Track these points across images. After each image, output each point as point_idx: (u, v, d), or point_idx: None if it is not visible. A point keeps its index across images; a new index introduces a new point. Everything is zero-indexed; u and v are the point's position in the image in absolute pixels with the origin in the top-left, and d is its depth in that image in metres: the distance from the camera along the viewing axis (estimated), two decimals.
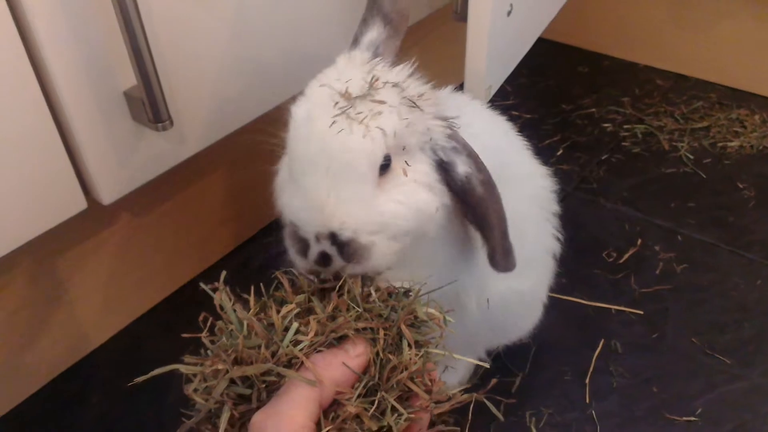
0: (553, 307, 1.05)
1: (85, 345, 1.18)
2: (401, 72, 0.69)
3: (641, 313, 1.20)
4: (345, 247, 0.63)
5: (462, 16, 1.03)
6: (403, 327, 0.62)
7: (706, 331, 1.17)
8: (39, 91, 0.81)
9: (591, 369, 1.11)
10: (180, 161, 1.01)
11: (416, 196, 0.67)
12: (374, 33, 0.73)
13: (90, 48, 0.83)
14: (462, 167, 0.69)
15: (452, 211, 0.72)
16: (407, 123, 0.65)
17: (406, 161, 0.67)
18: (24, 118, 0.81)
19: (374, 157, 0.63)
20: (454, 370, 1.06)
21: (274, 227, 0.71)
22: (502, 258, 0.73)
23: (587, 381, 1.10)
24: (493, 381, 0.74)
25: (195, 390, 0.61)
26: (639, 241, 1.34)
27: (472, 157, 0.69)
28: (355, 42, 0.74)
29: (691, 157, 1.55)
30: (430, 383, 0.62)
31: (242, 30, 0.99)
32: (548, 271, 0.99)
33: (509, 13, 1.06)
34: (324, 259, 0.64)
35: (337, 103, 0.63)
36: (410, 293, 0.66)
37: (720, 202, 1.43)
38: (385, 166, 0.65)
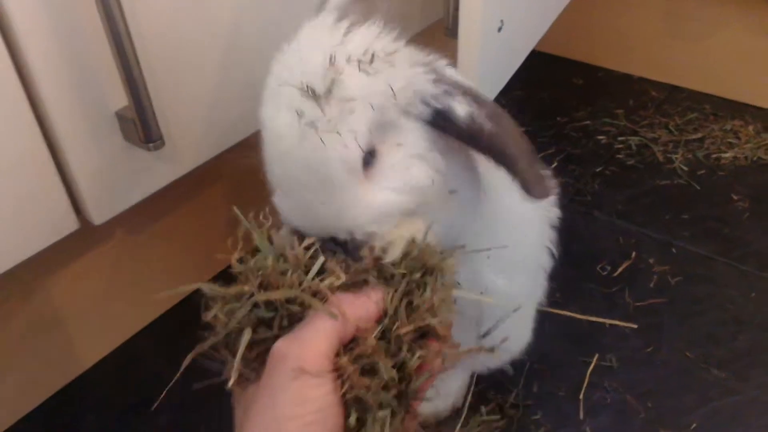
0: (546, 321, 1.05)
1: (80, 364, 1.17)
2: (367, 33, 0.64)
3: (635, 326, 1.19)
4: (346, 245, 0.64)
5: (453, 32, 1.04)
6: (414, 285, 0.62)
7: (701, 345, 1.16)
8: (30, 111, 0.81)
9: (585, 384, 1.11)
10: (173, 180, 1.02)
11: (408, 174, 0.64)
12: None
13: (81, 69, 0.83)
14: (461, 109, 0.63)
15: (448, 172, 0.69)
16: (383, 99, 0.61)
17: (393, 140, 0.64)
18: (15, 138, 0.81)
19: (353, 161, 0.61)
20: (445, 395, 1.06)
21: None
22: (535, 185, 0.67)
23: (581, 396, 1.09)
24: (502, 339, 0.71)
25: (215, 316, 0.60)
26: (633, 254, 1.34)
27: (469, 94, 0.64)
28: (320, 7, 0.70)
29: (686, 168, 1.55)
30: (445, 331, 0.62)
31: (236, 49, 1.00)
32: (539, 284, 0.98)
33: (500, 29, 1.07)
34: (332, 254, 0.64)
35: (301, 113, 0.60)
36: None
37: (714, 213, 1.43)
38: (370, 157, 0.63)
